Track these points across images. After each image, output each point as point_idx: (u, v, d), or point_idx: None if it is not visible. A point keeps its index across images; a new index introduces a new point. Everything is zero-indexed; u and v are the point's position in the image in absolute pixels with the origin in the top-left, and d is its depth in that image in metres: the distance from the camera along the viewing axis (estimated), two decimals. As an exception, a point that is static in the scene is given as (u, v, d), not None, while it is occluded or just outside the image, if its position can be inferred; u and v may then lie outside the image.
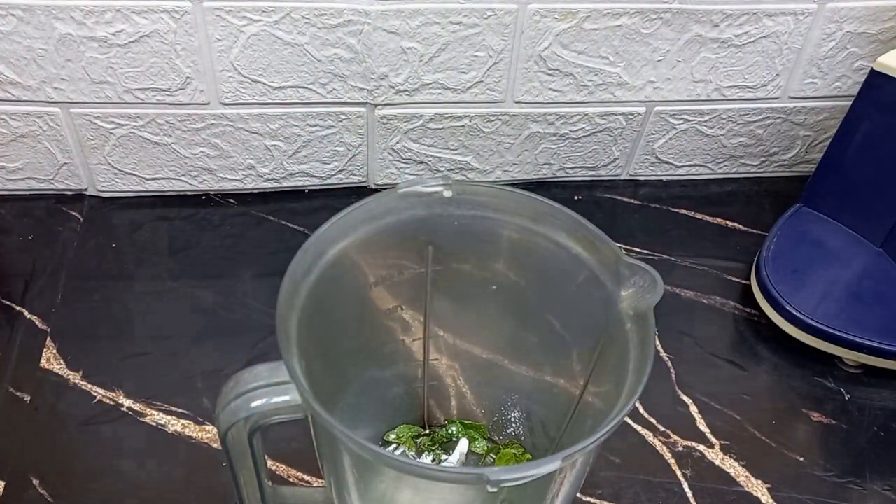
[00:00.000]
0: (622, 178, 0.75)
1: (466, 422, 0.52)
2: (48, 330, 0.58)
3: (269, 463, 0.51)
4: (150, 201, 0.69)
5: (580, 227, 0.39)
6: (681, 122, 0.70)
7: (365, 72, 0.62)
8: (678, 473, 0.52)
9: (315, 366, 0.38)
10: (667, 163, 0.74)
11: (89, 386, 0.54)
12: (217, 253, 0.65)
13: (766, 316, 0.62)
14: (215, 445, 0.52)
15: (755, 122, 0.71)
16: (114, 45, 0.58)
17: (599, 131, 0.70)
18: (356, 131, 0.67)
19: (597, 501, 0.51)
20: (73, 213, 0.67)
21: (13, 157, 0.65)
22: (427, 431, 0.52)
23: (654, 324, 0.35)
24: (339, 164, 0.69)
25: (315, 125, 0.66)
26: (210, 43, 0.59)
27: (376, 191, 0.71)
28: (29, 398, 0.53)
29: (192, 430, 0.52)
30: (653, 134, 0.71)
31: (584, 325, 0.41)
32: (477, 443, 0.51)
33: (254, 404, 0.34)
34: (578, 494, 0.50)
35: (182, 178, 0.68)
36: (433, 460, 0.50)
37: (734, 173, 0.76)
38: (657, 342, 0.60)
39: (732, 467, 0.53)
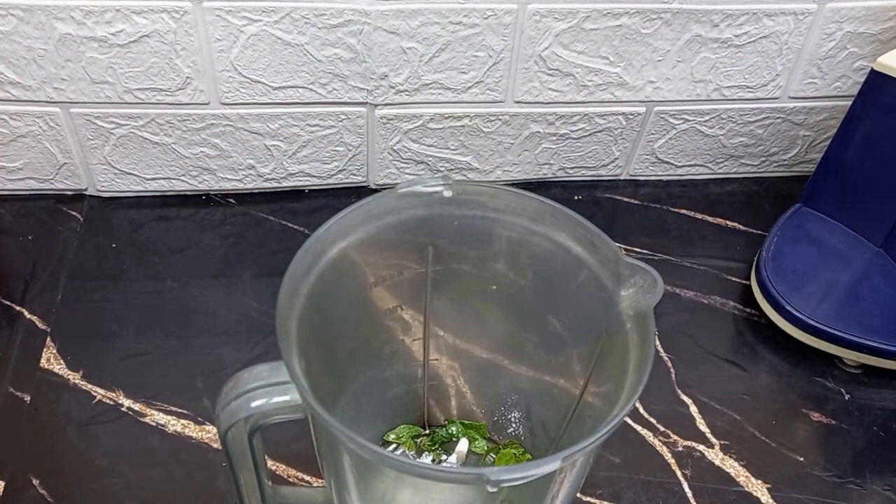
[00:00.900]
0: (622, 178, 0.75)
1: (466, 422, 0.52)
2: (48, 330, 0.58)
3: (269, 463, 0.51)
4: (150, 201, 0.69)
5: (580, 227, 0.39)
6: (681, 122, 0.70)
7: (365, 72, 0.62)
8: (678, 473, 0.52)
9: (315, 366, 0.38)
10: (667, 163, 0.74)
11: (89, 386, 0.54)
12: (217, 253, 0.65)
13: (766, 316, 0.62)
14: (215, 445, 0.52)
15: (755, 122, 0.71)
16: (114, 45, 0.58)
17: (599, 131, 0.70)
18: (356, 131, 0.67)
19: (597, 501, 0.51)
20: (73, 213, 0.67)
21: (13, 156, 0.65)
22: (427, 431, 0.52)
23: (654, 324, 0.35)
24: (339, 164, 0.69)
25: (315, 125, 0.66)
26: (210, 43, 0.59)
27: (376, 191, 0.71)
28: (29, 398, 0.53)
29: (192, 430, 0.52)
30: (653, 134, 0.71)
31: (584, 325, 0.41)
32: (477, 443, 0.51)
33: (254, 404, 0.34)
34: (578, 494, 0.50)
35: (182, 178, 0.68)
36: (433, 460, 0.50)
37: (734, 173, 0.76)
38: (657, 342, 0.60)
39: (732, 467, 0.53)
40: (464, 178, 0.72)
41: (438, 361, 0.49)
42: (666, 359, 0.59)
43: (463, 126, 0.67)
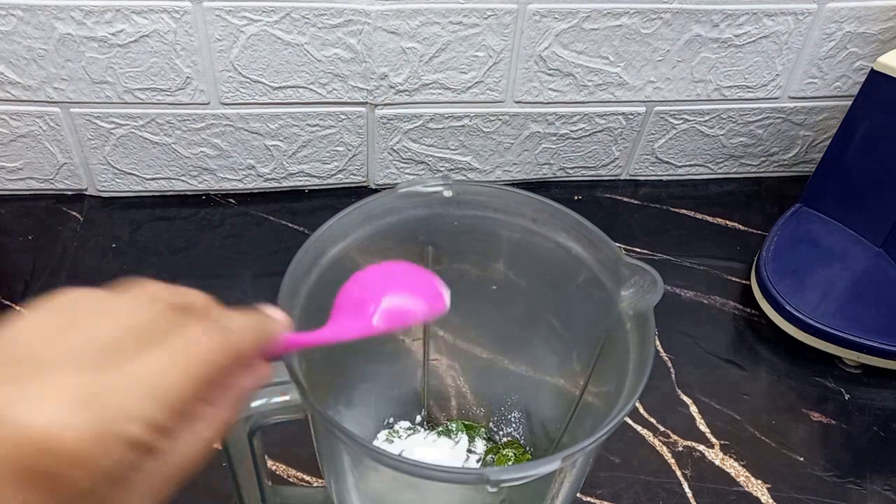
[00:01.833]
0: (622, 178, 0.75)
1: (466, 422, 0.52)
2: (48, 330, 0.58)
3: (270, 463, 0.51)
4: (150, 201, 0.69)
5: (580, 227, 0.39)
6: (681, 122, 0.70)
7: (365, 72, 0.62)
8: (678, 473, 0.52)
9: (315, 366, 0.38)
10: (667, 163, 0.74)
11: (89, 386, 0.54)
12: (217, 253, 0.65)
13: (766, 316, 0.62)
14: (215, 445, 0.52)
15: (755, 122, 0.71)
16: (114, 45, 0.58)
17: (599, 131, 0.70)
18: (356, 131, 0.67)
19: (597, 501, 0.51)
20: (73, 213, 0.67)
21: (13, 157, 0.65)
22: (427, 432, 0.52)
23: (654, 324, 0.35)
24: (339, 164, 0.69)
25: (315, 125, 0.66)
26: (210, 43, 0.59)
27: (376, 191, 0.71)
28: (29, 398, 0.53)
29: (192, 430, 0.52)
30: (653, 134, 0.71)
31: (584, 325, 0.41)
32: (477, 443, 0.51)
33: (253, 404, 0.34)
34: (578, 494, 0.50)
35: (182, 178, 0.68)
36: (438, 435, 0.50)
37: (734, 173, 0.76)
38: (657, 342, 0.60)
39: (732, 467, 0.53)
40: (464, 178, 0.72)
41: (438, 361, 0.49)
42: (666, 359, 0.59)
43: (463, 126, 0.67)
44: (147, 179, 0.68)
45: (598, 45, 0.63)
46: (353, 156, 0.69)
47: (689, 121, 0.70)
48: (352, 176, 0.70)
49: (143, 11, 0.57)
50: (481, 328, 0.48)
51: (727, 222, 0.72)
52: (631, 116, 0.69)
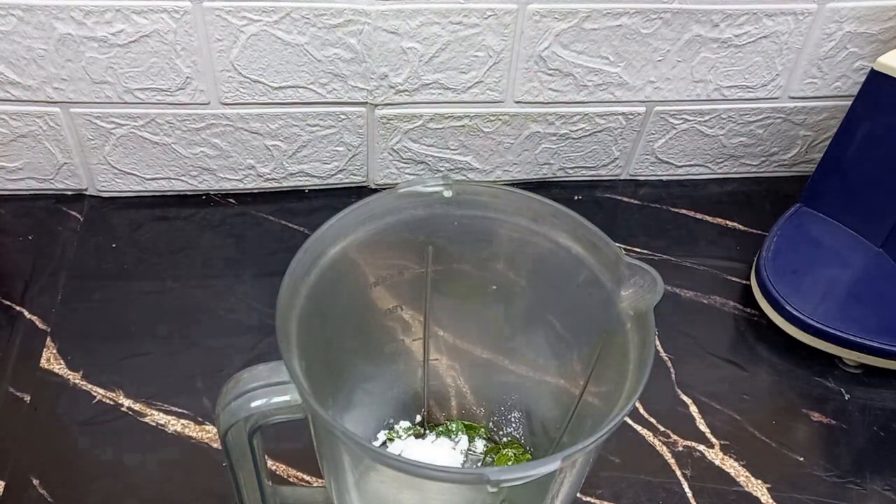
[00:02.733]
0: (622, 178, 0.75)
1: (466, 422, 0.52)
2: (48, 330, 0.58)
3: (269, 463, 0.51)
4: (150, 201, 0.69)
5: (580, 227, 0.39)
6: (681, 121, 0.70)
7: (365, 72, 0.62)
8: (678, 473, 0.52)
9: (315, 366, 0.38)
10: (667, 163, 0.74)
11: (89, 386, 0.54)
12: (217, 253, 0.65)
13: (766, 316, 0.62)
14: (215, 445, 0.52)
15: (755, 121, 0.71)
16: (114, 45, 0.58)
17: (599, 131, 0.70)
18: (356, 131, 0.67)
19: (597, 501, 0.51)
20: (73, 213, 0.67)
21: (13, 156, 0.65)
22: (427, 432, 0.52)
23: (654, 324, 0.35)
24: (339, 164, 0.69)
25: (315, 125, 0.66)
26: (210, 43, 0.59)
27: (376, 191, 0.71)
28: (29, 398, 0.53)
29: (192, 430, 0.52)
30: (653, 134, 0.71)
31: (584, 325, 0.41)
32: (477, 443, 0.51)
33: (254, 404, 0.34)
34: (578, 494, 0.50)
35: (182, 178, 0.68)
36: (436, 436, 0.50)
37: (734, 173, 0.76)
38: (657, 342, 0.60)
39: (732, 467, 0.53)
40: (464, 178, 0.72)
41: (438, 361, 0.49)
42: (666, 359, 0.59)
43: (463, 126, 0.67)
44: (147, 179, 0.68)
45: (598, 45, 0.63)
46: (353, 156, 0.69)
47: (689, 121, 0.70)
48: (352, 176, 0.70)
49: (143, 11, 0.57)
50: (481, 328, 0.48)
51: (727, 222, 0.72)
52: (631, 116, 0.69)
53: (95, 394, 0.54)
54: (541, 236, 0.41)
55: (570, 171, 0.73)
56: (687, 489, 0.51)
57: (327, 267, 0.38)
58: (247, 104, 0.63)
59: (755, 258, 0.65)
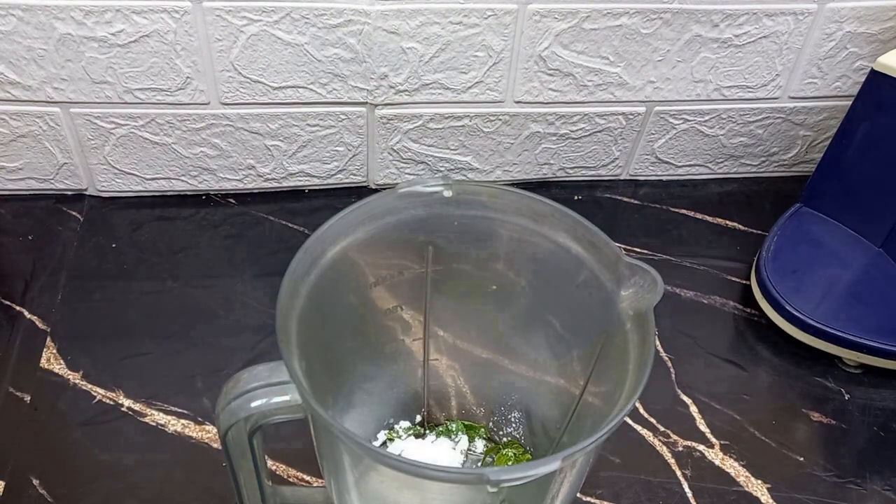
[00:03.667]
0: (622, 178, 0.75)
1: (466, 422, 0.52)
2: (48, 330, 0.58)
3: (270, 463, 0.51)
4: (150, 201, 0.69)
5: (580, 227, 0.39)
6: (681, 121, 0.70)
7: (365, 72, 0.62)
8: (678, 473, 0.52)
9: (315, 366, 0.38)
10: (667, 163, 0.74)
11: (89, 386, 0.54)
12: (217, 253, 0.65)
13: (766, 316, 0.62)
14: (215, 445, 0.52)
15: (755, 122, 0.71)
16: (114, 45, 0.58)
17: (599, 131, 0.70)
18: (356, 131, 0.67)
19: (597, 501, 0.51)
20: (73, 213, 0.67)
21: (13, 156, 0.65)
22: (427, 432, 0.52)
23: (654, 323, 0.35)
24: (339, 164, 0.69)
25: (315, 125, 0.66)
26: (210, 43, 0.59)
27: (376, 191, 0.71)
28: (29, 398, 0.53)
29: (192, 429, 0.52)
30: (653, 134, 0.71)
31: (584, 325, 0.41)
32: (477, 443, 0.51)
33: (254, 404, 0.34)
34: (578, 494, 0.50)
35: (182, 178, 0.68)
36: (436, 436, 0.50)
37: (734, 173, 0.76)
38: (657, 342, 0.60)
39: (732, 467, 0.53)
40: (464, 178, 0.72)
41: (438, 361, 0.49)
42: (666, 359, 0.59)
43: (463, 126, 0.67)
44: (147, 179, 0.68)
45: (598, 45, 0.63)
46: (353, 156, 0.69)
47: (689, 121, 0.70)
48: (352, 176, 0.70)
49: (143, 11, 0.57)
50: (481, 328, 0.48)
51: (727, 222, 0.72)
52: (631, 116, 0.69)
53: (95, 394, 0.54)
54: (541, 236, 0.41)
55: (570, 171, 0.73)
56: (687, 489, 0.51)
57: (327, 267, 0.38)
58: (247, 104, 0.63)
59: (755, 258, 0.65)
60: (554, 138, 0.70)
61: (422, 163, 0.70)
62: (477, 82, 0.64)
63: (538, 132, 0.69)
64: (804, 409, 0.57)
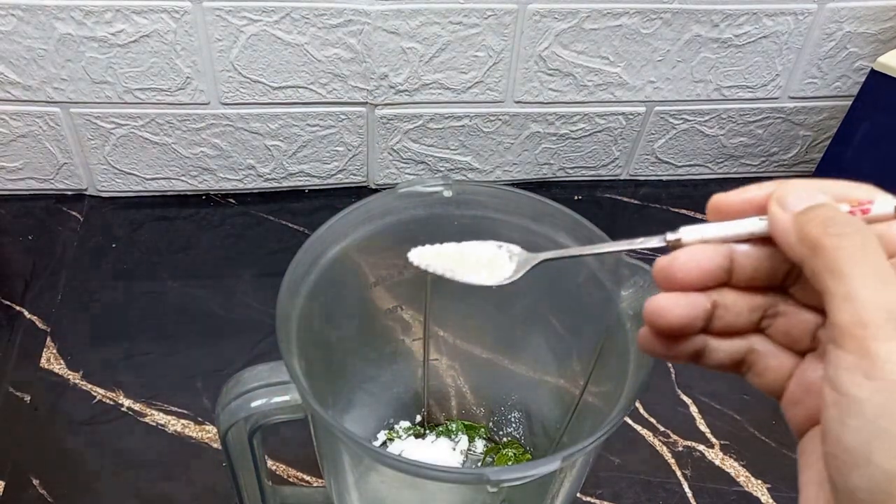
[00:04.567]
0: (622, 178, 0.75)
1: (466, 422, 0.52)
2: (48, 330, 0.58)
3: (270, 463, 0.51)
4: (150, 201, 0.69)
5: (580, 228, 0.39)
6: (681, 121, 0.70)
7: (365, 72, 0.62)
8: (678, 473, 0.52)
9: (315, 366, 0.38)
10: (667, 163, 0.74)
11: (89, 386, 0.54)
12: (217, 253, 0.65)
13: (766, 316, 0.62)
14: (215, 445, 0.52)
15: (755, 121, 0.71)
16: (114, 45, 0.58)
17: (599, 131, 0.70)
18: (356, 131, 0.67)
19: (597, 501, 0.51)
20: (73, 213, 0.67)
21: (13, 156, 0.65)
22: (427, 432, 0.52)
23: None
24: (339, 164, 0.69)
25: (315, 125, 0.66)
26: (210, 43, 0.59)
27: (376, 191, 0.71)
28: (29, 398, 0.53)
29: (192, 429, 0.52)
30: (653, 134, 0.71)
31: (584, 325, 0.41)
32: (477, 443, 0.51)
33: (254, 404, 0.34)
34: (578, 494, 0.50)
35: (182, 177, 0.68)
36: (436, 437, 0.50)
37: (734, 173, 0.76)
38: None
39: (732, 467, 0.53)
40: (464, 178, 0.72)
41: (438, 361, 0.49)
42: (666, 359, 0.59)
43: (463, 126, 0.67)
44: (147, 179, 0.68)
45: (598, 45, 0.63)
46: (353, 156, 0.69)
47: (689, 121, 0.70)
48: (352, 176, 0.70)
49: (143, 11, 0.57)
50: (481, 328, 0.48)
51: (727, 222, 0.71)
52: (631, 116, 0.69)
53: (95, 394, 0.54)
54: (541, 236, 0.41)
55: (570, 171, 0.73)
56: (687, 489, 0.51)
57: (327, 267, 0.38)
58: (247, 104, 0.63)
59: (755, 258, 0.65)
60: (554, 138, 0.70)
61: (422, 163, 0.70)
62: (477, 82, 0.64)
63: (538, 132, 0.69)
64: (804, 409, 0.57)
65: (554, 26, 0.61)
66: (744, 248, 0.25)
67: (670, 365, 0.59)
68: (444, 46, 0.61)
